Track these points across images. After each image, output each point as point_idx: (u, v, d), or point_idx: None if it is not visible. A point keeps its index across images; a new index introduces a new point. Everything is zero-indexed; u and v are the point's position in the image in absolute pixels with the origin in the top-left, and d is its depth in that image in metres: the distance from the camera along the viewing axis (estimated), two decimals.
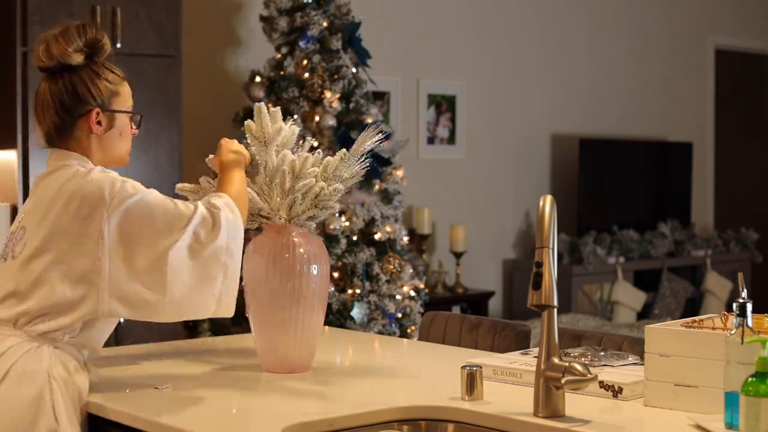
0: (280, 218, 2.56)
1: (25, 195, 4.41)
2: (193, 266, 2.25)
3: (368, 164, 2.62)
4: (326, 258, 2.63)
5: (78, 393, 2.25)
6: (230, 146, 2.53)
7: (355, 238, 5.03)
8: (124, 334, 4.27)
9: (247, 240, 2.43)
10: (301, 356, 2.60)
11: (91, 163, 2.33)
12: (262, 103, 2.57)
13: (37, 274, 2.23)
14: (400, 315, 5.05)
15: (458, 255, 6.41)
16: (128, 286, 2.22)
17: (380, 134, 2.63)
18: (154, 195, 2.29)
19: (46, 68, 2.31)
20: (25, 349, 2.20)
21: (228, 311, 2.33)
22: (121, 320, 2.90)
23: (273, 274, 2.54)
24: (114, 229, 2.21)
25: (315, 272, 2.58)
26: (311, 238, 2.62)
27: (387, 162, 5.13)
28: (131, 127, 2.40)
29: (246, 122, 2.58)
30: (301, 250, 2.57)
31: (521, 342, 2.97)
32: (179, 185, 2.59)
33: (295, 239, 2.57)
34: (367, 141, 2.62)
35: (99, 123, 2.32)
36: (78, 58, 2.29)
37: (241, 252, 2.36)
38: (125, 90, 2.38)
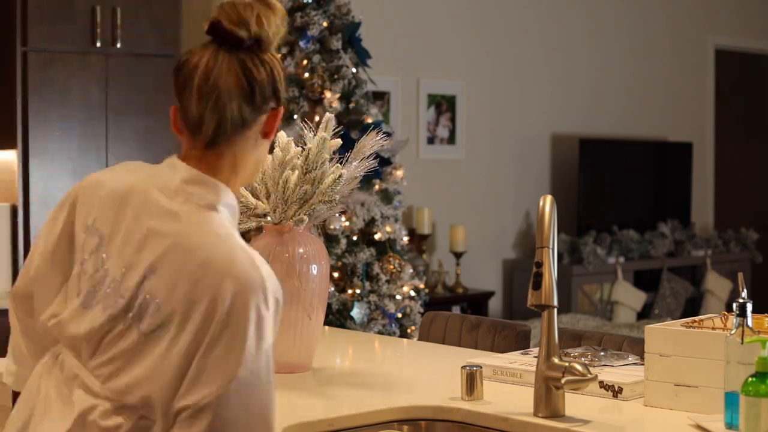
0: (278, 218, 2.55)
1: (26, 195, 4.40)
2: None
3: (374, 166, 2.63)
4: (326, 258, 2.63)
5: None
6: None
7: (355, 238, 5.03)
8: None
9: (247, 240, 2.39)
10: (301, 356, 2.60)
11: (229, 203, 1.77)
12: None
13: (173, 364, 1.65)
14: (400, 315, 5.05)
15: (458, 255, 6.41)
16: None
17: (382, 137, 2.62)
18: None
19: (239, 40, 1.72)
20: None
21: None
22: None
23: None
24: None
25: (315, 272, 2.58)
26: (311, 238, 2.62)
27: (387, 162, 5.14)
28: None
29: None
30: (301, 250, 2.57)
31: (521, 342, 2.97)
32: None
33: (295, 239, 2.58)
34: (369, 144, 2.62)
35: (276, 126, 1.79)
36: (275, 42, 1.75)
37: None
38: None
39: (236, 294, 1.63)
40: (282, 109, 1.79)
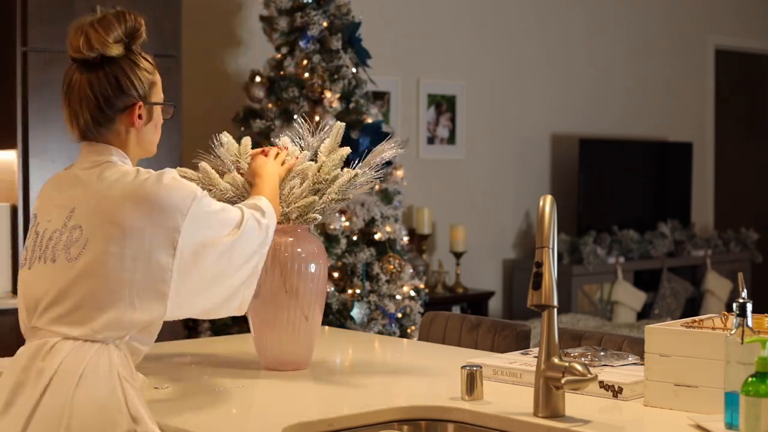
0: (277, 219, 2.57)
1: (25, 195, 4.40)
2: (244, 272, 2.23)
3: (381, 174, 2.66)
4: (324, 257, 2.64)
5: (140, 387, 2.15)
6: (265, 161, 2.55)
7: (355, 238, 5.03)
8: None
9: None
10: (301, 354, 2.62)
11: (129, 159, 2.21)
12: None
13: (104, 276, 2.06)
14: (400, 315, 5.05)
15: (458, 255, 6.41)
16: (197, 297, 2.15)
17: (397, 145, 2.65)
18: (220, 210, 2.21)
19: (84, 60, 2.15)
20: (93, 350, 2.06)
21: (243, 310, 2.29)
22: None
23: (272, 272, 2.55)
24: (188, 242, 2.11)
25: (313, 271, 2.59)
26: (309, 237, 2.64)
27: (387, 162, 5.13)
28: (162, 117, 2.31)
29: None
30: (299, 249, 2.59)
31: (521, 342, 2.98)
32: (180, 169, 2.58)
33: (294, 238, 2.59)
34: (385, 153, 2.64)
35: (140, 117, 2.20)
36: (118, 49, 2.15)
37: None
38: (158, 79, 2.28)
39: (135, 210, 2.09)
40: (140, 104, 2.19)
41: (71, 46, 2.15)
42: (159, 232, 2.08)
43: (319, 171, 2.58)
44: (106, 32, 2.12)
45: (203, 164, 2.58)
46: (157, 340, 2.19)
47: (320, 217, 2.60)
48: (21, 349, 2.15)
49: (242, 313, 2.29)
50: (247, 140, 2.67)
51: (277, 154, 2.58)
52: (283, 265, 2.56)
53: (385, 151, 2.64)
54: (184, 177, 2.54)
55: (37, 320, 2.12)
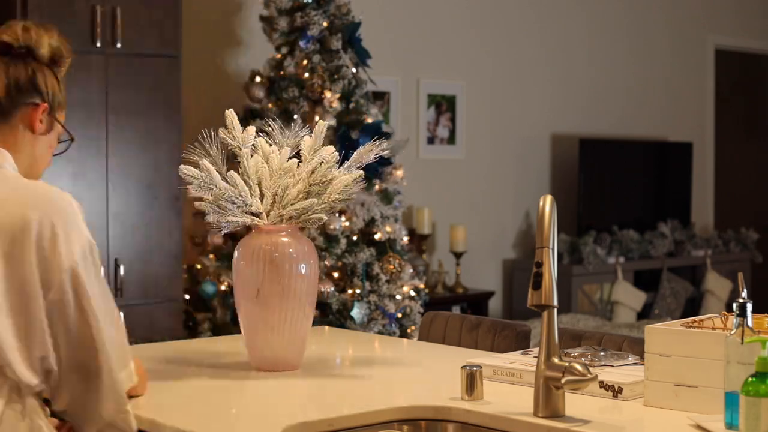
0: (273, 220, 2.55)
1: None
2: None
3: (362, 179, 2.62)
4: (315, 257, 2.63)
5: None
6: None
7: (355, 238, 5.03)
8: None
9: (236, 240, 2.42)
10: (291, 355, 2.60)
11: (13, 165, 2.12)
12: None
13: None
14: (400, 315, 5.05)
15: (458, 255, 6.41)
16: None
17: (381, 148, 2.62)
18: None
19: (9, 46, 2.11)
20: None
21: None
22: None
23: (263, 273, 2.54)
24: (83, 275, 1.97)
25: (304, 271, 2.57)
26: (300, 237, 2.62)
27: (387, 162, 5.13)
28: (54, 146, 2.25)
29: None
30: (291, 250, 2.57)
31: (521, 342, 2.97)
32: (183, 167, 2.56)
33: (284, 239, 2.57)
34: (367, 155, 2.62)
35: (41, 121, 2.14)
36: (47, 54, 2.12)
37: None
38: (65, 112, 2.22)
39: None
40: (44, 105, 2.12)
41: (6, 32, 2.12)
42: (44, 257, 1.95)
43: (313, 173, 2.55)
44: (47, 33, 2.13)
45: (205, 162, 2.56)
46: (157, 340, 2.19)
47: (325, 217, 2.59)
48: None
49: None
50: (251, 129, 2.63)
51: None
52: (274, 265, 2.54)
53: (374, 151, 2.62)
54: (189, 175, 2.54)
55: None
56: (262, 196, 2.56)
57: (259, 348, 2.60)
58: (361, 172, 2.59)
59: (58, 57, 2.16)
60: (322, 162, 2.55)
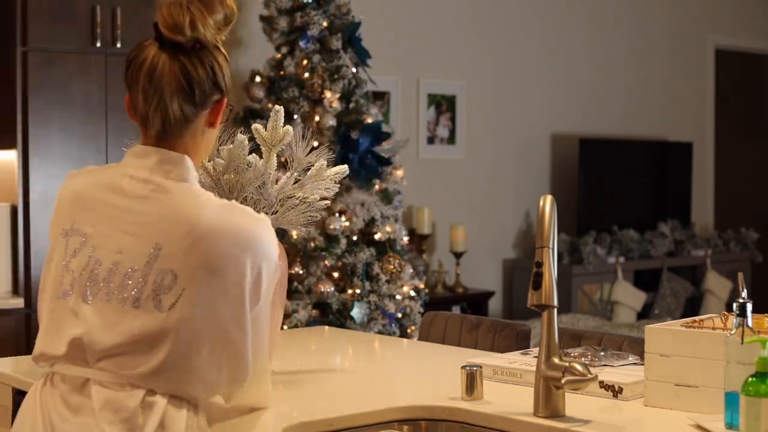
0: None
1: (25, 195, 4.40)
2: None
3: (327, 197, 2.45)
4: (284, 258, 2.42)
5: None
6: None
7: (355, 238, 5.03)
8: None
9: None
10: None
11: (196, 176, 1.94)
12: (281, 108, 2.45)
13: (198, 331, 1.82)
14: (400, 315, 5.05)
15: (458, 255, 6.41)
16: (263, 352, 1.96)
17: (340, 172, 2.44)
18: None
19: (177, 43, 1.87)
20: (183, 412, 1.85)
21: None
22: None
23: None
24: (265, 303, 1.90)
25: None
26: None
27: (387, 162, 5.14)
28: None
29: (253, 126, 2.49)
30: None
31: (521, 342, 2.98)
32: None
33: None
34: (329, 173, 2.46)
35: (221, 115, 1.95)
36: (213, 36, 1.90)
37: None
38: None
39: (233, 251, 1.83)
40: (225, 100, 1.94)
41: (167, 24, 1.86)
42: (249, 285, 1.85)
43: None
44: (210, 14, 1.88)
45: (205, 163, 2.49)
46: None
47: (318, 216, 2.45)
48: (65, 391, 1.85)
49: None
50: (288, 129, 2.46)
51: None
52: None
53: (333, 176, 2.41)
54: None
55: (100, 358, 1.83)
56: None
57: None
58: (346, 167, 2.45)
59: (224, 25, 1.94)
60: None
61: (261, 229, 1.89)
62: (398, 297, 5.05)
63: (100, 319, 1.83)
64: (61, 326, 1.86)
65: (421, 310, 5.11)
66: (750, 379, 1.85)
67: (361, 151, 5.00)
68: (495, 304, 6.86)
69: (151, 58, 1.89)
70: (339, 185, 2.44)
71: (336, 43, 5.14)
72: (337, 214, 4.95)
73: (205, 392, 1.88)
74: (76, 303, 1.85)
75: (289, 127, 2.42)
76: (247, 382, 1.96)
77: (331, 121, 5.01)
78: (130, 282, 1.82)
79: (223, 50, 1.94)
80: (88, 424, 1.80)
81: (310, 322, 4.80)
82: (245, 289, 1.85)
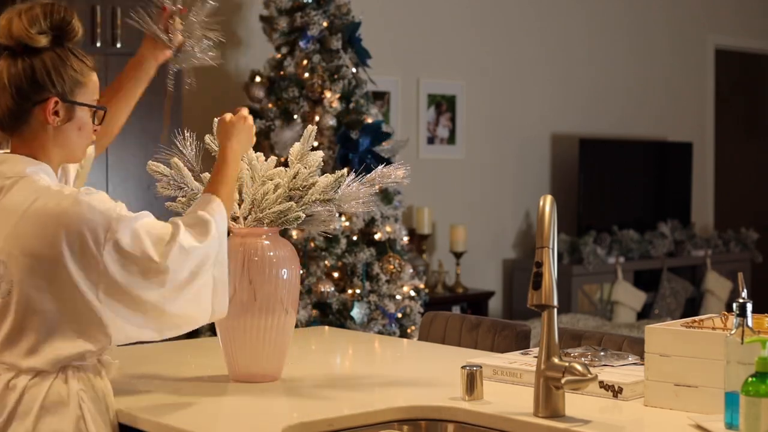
0: (249, 224, 2.46)
1: None
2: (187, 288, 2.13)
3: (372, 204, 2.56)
4: (296, 262, 2.50)
5: (107, 406, 2.14)
6: (233, 128, 2.36)
7: (355, 238, 5.03)
8: None
9: None
10: (269, 365, 2.48)
11: (47, 164, 2.12)
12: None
13: (38, 310, 2.03)
14: (400, 315, 5.05)
15: (458, 255, 6.41)
16: (131, 321, 2.08)
17: (400, 171, 2.60)
18: (142, 223, 2.08)
19: (6, 47, 2.09)
20: (48, 382, 2.06)
21: (222, 315, 2.24)
22: None
23: (241, 278, 2.41)
24: (111, 266, 2.03)
25: (285, 276, 2.45)
26: (282, 241, 2.50)
27: (387, 162, 5.14)
28: (93, 123, 2.18)
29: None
30: (271, 254, 2.45)
31: (521, 342, 2.97)
32: (152, 162, 2.51)
33: (265, 242, 2.46)
34: (391, 175, 2.58)
35: (56, 113, 2.09)
36: (42, 41, 2.07)
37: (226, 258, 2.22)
38: (92, 81, 2.17)
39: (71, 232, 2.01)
40: (52, 99, 2.09)
41: None
42: (78, 262, 2.01)
43: (294, 178, 2.45)
44: (29, 22, 2.06)
45: (175, 160, 2.48)
46: (157, 340, 2.18)
47: (303, 215, 2.46)
48: None
49: (214, 320, 2.26)
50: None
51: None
52: (254, 271, 2.42)
53: (390, 174, 2.57)
54: (157, 171, 2.49)
55: None
56: (241, 201, 2.47)
57: (239, 359, 2.47)
58: (344, 171, 2.50)
59: (61, 35, 2.12)
60: (305, 167, 2.46)
61: (68, 204, 2.02)
62: (398, 297, 5.05)
63: None
64: None
65: (421, 310, 5.11)
66: (750, 379, 1.85)
67: (361, 151, 5.00)
68: (495, 304, 6.86)
69: None
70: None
71: (336, 43, 5.14)
72: (337, 214, 4.95)
73: (62, 358, 2.06)
74: None
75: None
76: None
77: (331, 121, 5.01)
78: None
79: (64, 55, 2.11)
80: None
81: (310, 322, 4.80)
82: (68, 262, 2.00)
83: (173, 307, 2.10)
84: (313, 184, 2.47)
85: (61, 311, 2.03)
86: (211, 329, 4.92)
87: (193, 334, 4.94)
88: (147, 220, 2.09)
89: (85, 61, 2.17)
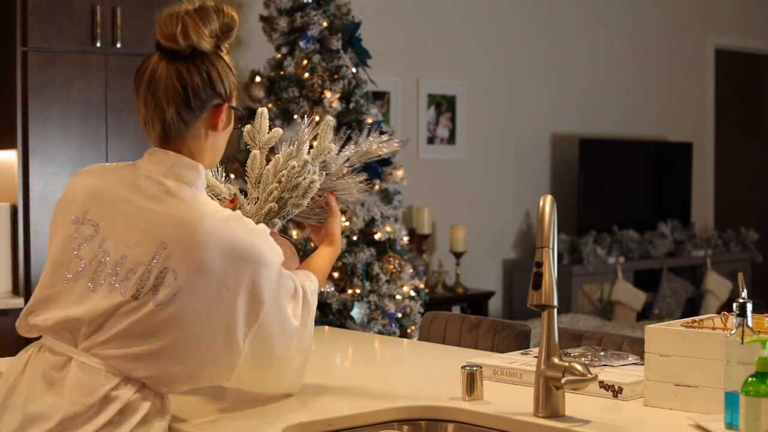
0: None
1: (25, 195, 4.40)
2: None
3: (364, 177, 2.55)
4: (296, 262, 2.47)
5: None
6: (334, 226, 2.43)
7: (355, 238, 5.03)
8: None
9: None
10: None
11: (202, 172, 2.06)
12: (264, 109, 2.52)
13: (187, 329, 1.94)
14: (400, 315, 5.05)
15: (458, 255, 6.41)
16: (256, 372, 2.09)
17: (384, 139, 2.57)
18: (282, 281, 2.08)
19: (173, 50, 1.99)
20: (151, 396, 2.00)
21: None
22: None
23: None
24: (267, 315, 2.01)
25: None
26: (281, 240, 2.44)
27: (387, 162, 5.14)
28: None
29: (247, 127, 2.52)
30: None
31: (521, 342, 2.98)
32: None
33: None
34: (373, 146, 2.56)
35: (223, 119, 2.07)
36: (210, 44, 2.01)
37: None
38: (235, 86, 2.13)
39: (229, 258, 1.95)
40: (225, 105, 2.07)
41: (163, 34, 1.99)
42: (244, 293, 1.97)
43: (289, 173, 2.41)
44: (204, 23, 1.99)
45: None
46: None
47: (280, 222, 2.42)
48: (50, 363, 1.98)
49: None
50: (277, 131, 2.55)
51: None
52: None
53: (378, 145, 2.55)
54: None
55: (90, 343, 1.96)
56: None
57: None
58: (315, 177, 2.43)
59: (223, 33, 2.05)
60: (294, 166, 2.40)
61: (256, 238, 2.01)
62: (398, 297, 5.05)
63: (100, 308, 1.95)
64: (60, 305, 1.99)
65: (421, 310, 5.11)
66: (750, 379, 1.85)
67: None
68: (495, 304, 6.86)
69: (152, 65, 2.02)
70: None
71: (336, 43, 5.14)
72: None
73: (179, 386, 2.02)
74: (82, 289, 1.98)
75: (278, 130, 2.50)
76: (229, 383, 2.08)
77: (331, 121, 5.01)
78: (134, 275, 1.94)
79: (224, 57, 2.06)
80: (56, 403, 1.92)
81: None
82: (238, 297, 1.96)
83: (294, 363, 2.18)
84: (299, 184, 2.43)
85: (210, 340, 1.97)
86: None
87: None
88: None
89: (234, 69, 2.12)
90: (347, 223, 4.99)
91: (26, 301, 4.33)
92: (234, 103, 2.13)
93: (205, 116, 2.05)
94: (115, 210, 2.00)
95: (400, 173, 5.29)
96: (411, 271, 5.15)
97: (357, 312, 4.94)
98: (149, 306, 1.92)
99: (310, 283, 2.22)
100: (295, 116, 4.99)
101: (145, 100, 2.02)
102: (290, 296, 2.11)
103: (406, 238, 5.27)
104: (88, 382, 1.93)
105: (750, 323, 1.97)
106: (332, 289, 4.91)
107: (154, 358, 1.94)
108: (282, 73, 5.14)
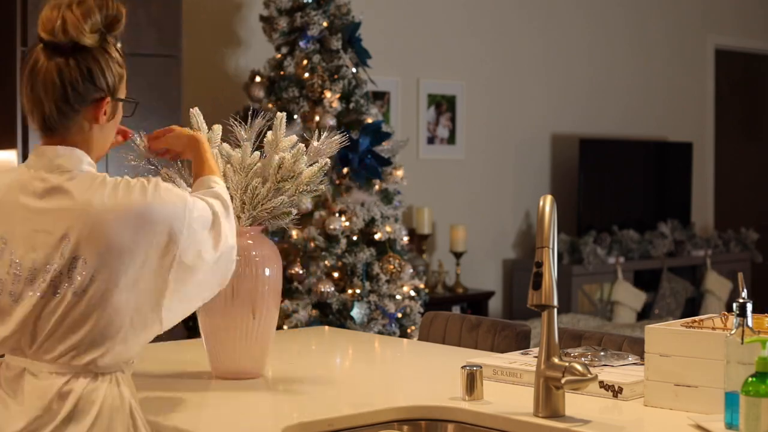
0: (245, 222, 2.47)
1: None
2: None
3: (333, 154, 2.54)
4: (279, 261, 2.54)
5: (140, 413, 2.06)
6: (184, 132, 2.44)
7: (355, 238, 5.03)
8: None
9: None
10: (254, 361, 2.51)
11: (92, 161, 2.04)
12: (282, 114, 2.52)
13: (111, 307, 1.94)
14: (400, 315, 5.05)
15: (458, 255, 6.41)
16: (183, 305, 2.07)
17: (338, 140, 2.55)
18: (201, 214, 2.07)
19: (54, 44, 1.96)
20: (104, 385, 1.97)
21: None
22: None
23: None
24: (185, 256, 2.00)
25: (267, 274, 2.49)
26: (264, 240, 2.53)
27: (387, 162, 5.13)
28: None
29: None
30: (254, 253, 2.48)
31: (521, 342, 2.97)
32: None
33: (248, 242, 2.48)
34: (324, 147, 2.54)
35: (105, 112, 2.04)
36: (93, 39, 1.98)
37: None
38: (126, 74, 2.12)
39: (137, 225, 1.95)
40: (107, 98, 2.03)
41: (44, 27, 1.97)
42: (155, 251, 1.96)
43: (280, 168, 2.46)
44: (84, 18, 1.97)
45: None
46: (156, 341, 2.18)
47: (295, 211, 2.49)
48: (8, 377, 2.00)
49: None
50: (217, 128, 2.56)
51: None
52: (237, 269, 2.34)
53: (326, 146, 2.52)
54: (169, 178, 2.50)
55: (34, 349, 1.96)
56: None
57: (221, 356, 2.50)
58: (327, 160, 2.51)
59: (109, 28, 2.03)
60: (290, 154, 2.46)
61: (151, 198, 1.97)
62: (398, 297, 5.05)
63: (26, 315, 1.95)
64: None
65: (421, 310, 5.11)
66: (750, 379, 1.85)
67: (361, 151, 5.00)
68: (495, 304, 6.86)
69: (33, 58, 2.00)
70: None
71: (336, 43, 5.14)
72: (337, 214, 4.95)
73: (131, 356, 2.02)
74: (6, 304, 1.98)
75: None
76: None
77: (331, 121, 5.00)
78: (48, 275, 1.94)
79: (110, 50, 2.05)
80: (20, 411, 1.96)
81: (310, 322, 4.80)
82: (155, 257, 1.96)
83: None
84: (301, 173, 2.47)
85: (133, 307, 1.97)
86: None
87: (193, 334, 4.95)
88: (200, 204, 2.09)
89: (121, 53, 2.11)
90: (347, 223, 4.99)
91: None
92: (122, 95, 2.10)
93: (86, 109, 2.01)
94: (13, 218, 1.99)
95: (400, 173, 5.29)
96: (411, 271, 5.15)
97: (357, 312, 4.94)
98: (69, 297, 1.92)
99: (220, 188, 2.19)
100: (295, 116, 4.99)
101: (25, 93, 2.01)
102: (208, 227, 2.07)
103: (406, 238, 5.27)
104: (41, 384, 1.95)
105: (750, 323, 1.97)
106: (332, 289, 4.91)
107: (96, 342, 1.94)
108: (282, 73, 5.14)
